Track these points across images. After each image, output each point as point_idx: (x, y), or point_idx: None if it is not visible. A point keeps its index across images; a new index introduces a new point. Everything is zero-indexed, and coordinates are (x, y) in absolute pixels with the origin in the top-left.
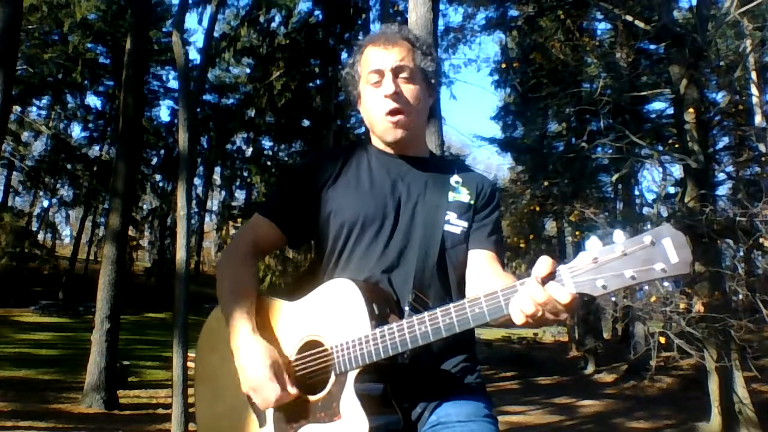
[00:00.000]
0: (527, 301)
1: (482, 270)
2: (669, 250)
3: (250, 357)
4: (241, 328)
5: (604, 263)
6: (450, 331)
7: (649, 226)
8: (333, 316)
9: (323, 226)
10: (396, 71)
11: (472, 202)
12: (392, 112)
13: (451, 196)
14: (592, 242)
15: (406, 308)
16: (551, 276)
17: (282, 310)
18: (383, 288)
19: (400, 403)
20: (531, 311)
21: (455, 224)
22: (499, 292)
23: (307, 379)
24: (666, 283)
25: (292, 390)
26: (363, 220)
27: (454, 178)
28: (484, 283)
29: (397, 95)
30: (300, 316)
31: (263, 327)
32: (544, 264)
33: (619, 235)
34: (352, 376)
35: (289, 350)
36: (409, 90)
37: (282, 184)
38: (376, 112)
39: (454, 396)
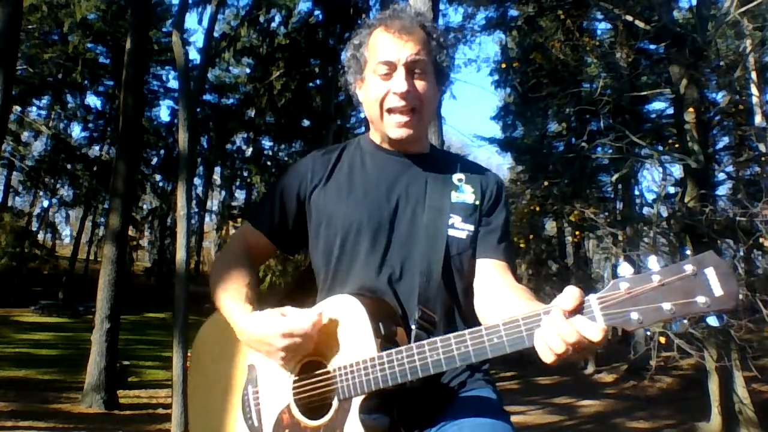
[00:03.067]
0: (555, 338)
1: (494, 283)
2: (712, 281)
3: (251, 317)
4: (240, 313)
5: (639, 294)
6: (465, 360)
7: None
8: (335, 335)
9: (314, 235)
10: (410, 66)
11: (477, 202)
12: (401, 111)
13: (454, 196)
14: (625, 269)
15: (413, 327)
16: (579, 308)
17: None
18: (389, 302)
19: (409, 431)
20: (561, 349)
21: (460, 228)
22: (521, 321)
23: (308, 403)
24: (708, 319)
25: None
26: (357, 228)
27: (457, 176)
28: (497, 298)
29: (408, 93)
30: None
31: None
32: (570, 296)
33: (654, 261)
34: (356, 402)
35: (288, 371)
36: (420, 86)
37: (270, 190)
38: (382, 106)
39: (470, 416)
